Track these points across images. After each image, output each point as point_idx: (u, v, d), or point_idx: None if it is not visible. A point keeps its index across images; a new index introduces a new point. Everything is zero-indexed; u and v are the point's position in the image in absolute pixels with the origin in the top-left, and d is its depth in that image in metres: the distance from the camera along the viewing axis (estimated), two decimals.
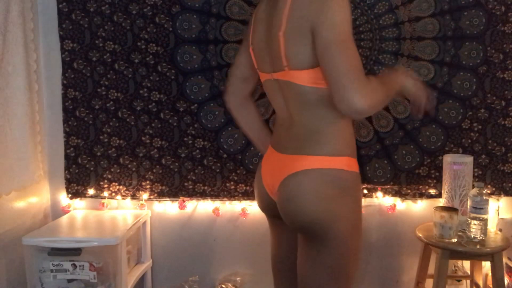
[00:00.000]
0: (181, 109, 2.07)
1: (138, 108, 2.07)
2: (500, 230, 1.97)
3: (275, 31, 1.19)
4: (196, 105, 2.07)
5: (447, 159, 1.91)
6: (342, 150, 1.22)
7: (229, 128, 2.06)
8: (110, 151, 2.10)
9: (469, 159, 1.90)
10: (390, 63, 2.00)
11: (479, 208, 1.78)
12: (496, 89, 2.01)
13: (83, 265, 1.77)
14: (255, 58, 1.35)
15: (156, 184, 2.11)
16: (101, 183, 2.11)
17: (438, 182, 2.04)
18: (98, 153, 2.10)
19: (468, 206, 1.82)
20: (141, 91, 2.06)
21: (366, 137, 2.05)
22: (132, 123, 2.08)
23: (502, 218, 2.02)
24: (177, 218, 2.16)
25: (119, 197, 2.12)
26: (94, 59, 2.05)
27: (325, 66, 1.11)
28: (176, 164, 2.10)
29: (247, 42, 1.39)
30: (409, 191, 2.08)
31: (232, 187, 2.11)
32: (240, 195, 2.11)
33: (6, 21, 1.79)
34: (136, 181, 2.11)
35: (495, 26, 1.97)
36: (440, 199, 1.98)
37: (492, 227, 1.98)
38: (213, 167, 2.10)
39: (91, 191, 2.12)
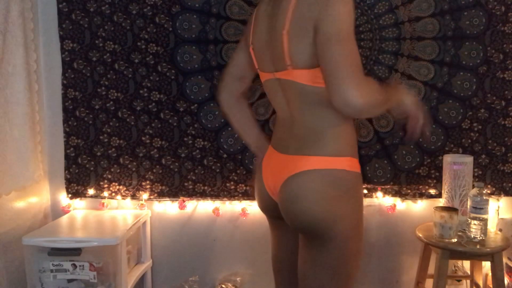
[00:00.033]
0: (181, 109, 2.07)
1: (138, 108, 2.07)
2: (500, 230, 1.97)
3: (279, 30, 1.18)
4: (196, 105, 2.07)
5: (447, 159, 1.91)
6: (344, 150, 1.21)
7: (229, 128, 2.06)
8: (110, 151, 2.10)
9: (469, 159, 1.90)
10: (390, 63, 2.00)
11: (479, 208, 1.78)
12: (496, 89, 2.01)
13: (83, 265, 1.77)
14: (255, 57, 1.34)
15: (156, 184, 2.11)
16: (101, 183, 2.12)
17: (438, 182, 2.04)
18: (98, 153, 2.10)
19: (468, 206, 1.82)
20: (141, 91, 2.06)
21: (366, 137, 2.05)
22: (132, 123, 2.08)
23: (502, 218, 2.02)
24: (177, 218, 2.16)
25: (119, 197, 2.12)
26: (94, 59, 2.05)
27: (323, 60, 1.10)
28: (176, 164, 2.10)
29: (247, 41, 1.39)
30: (409, 191, 2.08)
31: (232, 187, 2.11)
32: (240, 195, 2.11)
33: (6, 21, 1.79)
34: (136, 181, 2.11)
35: (495, 26, 1.97)
36: (440, 199, 1.98)
37: (492, 227, 1.98)
38: (213, 167, 2.10)
39: (91, 191, 2.12)
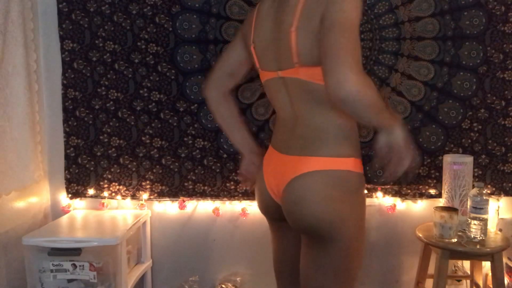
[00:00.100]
0: (181, 109, 2.07)
1: (138, 108, 2.07)
2: (500, 230, 1.97)
3: (286, 27, 1.17)
4: (196, 105, 2.07)
5: (447, 159, 1.91)
6: (348, 151, 1.21)
7: None
8: (110, 151, 2.10)
9: (469, 159, 1.90)
10: (390, 63, 2.00)
11: (479, 208, 1.78)
12: (496, 89, 2.01)
13: (83, 265, 1.77)
14: (257, 56, 1.32)
15: (156, 184, 2.11)
16: (101, 183, 2.11)
17: (438, 182, 2.04)
18: (98, 153, 2.10)
19: (468, 206, 1.82)
20: (141, 91, 2.06)
21: (366, 137, 2.05)
22: (132, 123, 2.08)
23: (502, 218, 2.02)
24: (177, 218, 2.16)
25: (119, 197, 2.12)
26: (94, 59, 2.05)
27: (324, 45, 1.08)
28: (176, 164, 2.10)
29: (246, 40, 1.38)
30: (409, 191, 2.08)
31: (232, 187, 2.11)
32: (240, 195, 2.11)
33: (6, 21, 1.79)
34: (136, 181, 2.11)
35: (495, 26, 1.97)
36: (440, 199, 1.98)
37: (492, 227, 1.98)
38: (213, 167, 2.10)
39: (91, 191, 2.12)
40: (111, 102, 2.07)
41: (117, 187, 2.12)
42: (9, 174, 1.82)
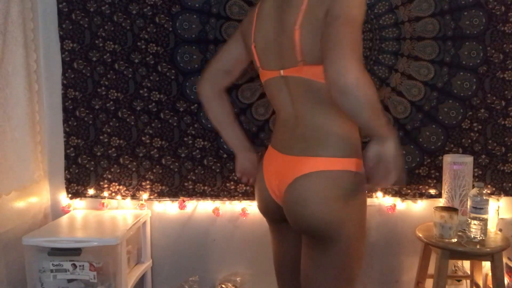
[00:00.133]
0: (181, 109, 2.07)
1: (138, 108, 2.07)
2: (500, 230, 1.97)
3: (289, 26, 1.17)
4: (196, 105, 2.07)
5: (447, 159, 1.91)
6: (350, 151, 1.21)
7: None
8: (110, 151, 2.10)
9: (469, 159, 1.90)
10: (390, 63, 2.00)
11: (479, 208, 1.78)
12: (496, 89, 2.01)
13: (83, 265, 1.77)
14: (258, 56, 1.32)
15: (156, 184, 2.11)
16: (101, 183, 2.11)
17: (438, 182, 2.04)
18: (98, 153, 2.10)
19: (468, 206, 1.82)
20: (141, 91, 2.06)
21: (366, 137, 2.04)
22: (132, 123, 2.08)
23: (502, 218, 2.02)
24: (177, 218, 2.16)
25: (119, 197, 2.12)
26: (94, 59, 2.05)
27: (326, 36, 1.07)
28: (176, 164, 2.10)
29: (245, 39, 1.37)
30: (409, 191, 2.08)
31: (232, 187, 2.11)
32: (240, 195, 2.11)
33: (6, 21, 1.79)
34: (136, 181, 2.11)
35: (495, 26, 1.97)
36: (440, 199, 1.98)
37: (492, 227, 1.98)
38: (213, 167, 2.10)
39: (91, 191, 2.12)
40: (111, 102, 2.07)
41: (117, 187, 2.12)
42: (9, 174, 1.82)
